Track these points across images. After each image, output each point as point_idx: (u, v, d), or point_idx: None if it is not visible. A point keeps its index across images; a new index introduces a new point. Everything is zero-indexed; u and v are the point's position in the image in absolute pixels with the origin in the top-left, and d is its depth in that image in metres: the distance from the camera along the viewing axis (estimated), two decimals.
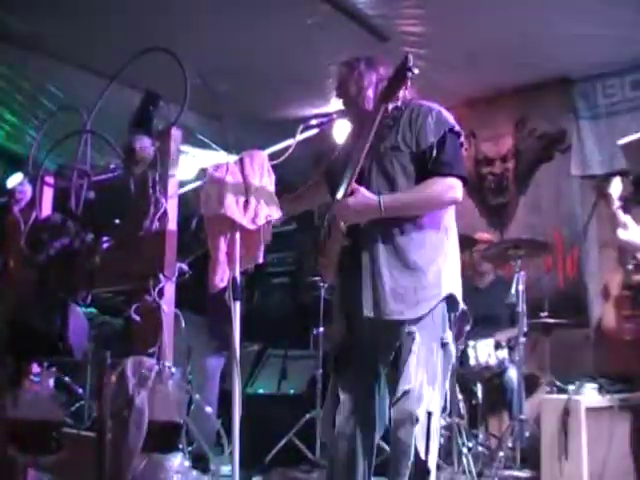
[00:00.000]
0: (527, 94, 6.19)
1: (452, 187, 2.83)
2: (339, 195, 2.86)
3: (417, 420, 2.67)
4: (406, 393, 2.71)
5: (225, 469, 4.35)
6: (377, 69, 3.01)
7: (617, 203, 3.86)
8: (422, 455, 2.66)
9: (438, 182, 2.83)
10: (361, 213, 2.80)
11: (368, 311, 2.79)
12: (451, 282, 2.89)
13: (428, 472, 2.68)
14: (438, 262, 2.86)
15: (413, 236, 2.85)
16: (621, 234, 3.89)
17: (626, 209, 3.86)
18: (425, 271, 2.83)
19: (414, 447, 2.66)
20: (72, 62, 5.39)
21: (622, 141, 2.95)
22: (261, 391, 5.94)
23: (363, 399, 2.92)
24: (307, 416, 5.13)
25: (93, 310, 5.26)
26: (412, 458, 2.65)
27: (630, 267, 4.30)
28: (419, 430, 2.67)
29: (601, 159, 5.61)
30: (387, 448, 3.08)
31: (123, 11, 4.72)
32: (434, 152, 2.83)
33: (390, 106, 2.91)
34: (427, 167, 2.84)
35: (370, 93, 2.98)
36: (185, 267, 2.39)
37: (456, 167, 2.86)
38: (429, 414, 2.70)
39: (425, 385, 2.74)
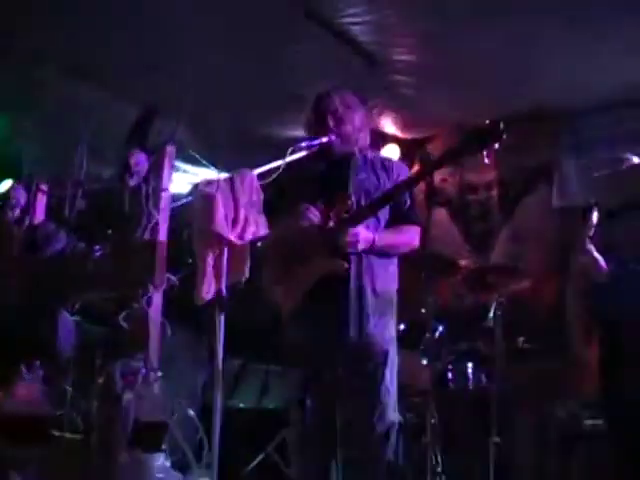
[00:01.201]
0: (513, 126, 6.27)
1: (419, 235, 3.32)
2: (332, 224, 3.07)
3: (399, 427, 2.89)
4: (387, 405, 2.99)
5: None
6: (368, 112, 3.28)
7: (591, 231, 4.04)
8: (392, 458, 2.87)
9: (413, 230, 3.30)
10: (363, 244, 3.07)
11: (354, 333, 2.99)
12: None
13: (401, 472, 2.97)
14: (395, 292, 3.29)
15: (385, 266, 3.23)
16: (582, 259, 4.06)
17: (592, 239, 4.03)
18: (392, 298, 3.25)
19: (394, 451, 2.86)
20: (71, 74, 5.45)
21: (599, 174, 3.08)
22: (241, 405, 5.98)
23: (329, 420, 3.05)
24: (286, 431, 5.17)
25: (77, 318, 5.30)
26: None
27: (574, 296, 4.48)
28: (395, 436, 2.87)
29: (582, 191, 5.72)
30: None
31: (123, 27, 4.79)
32: (408, 202, 3.25)
33: (367, 150, 3.32)
34: (401, 213, 3.25)
35: (366, 136, 3.23)
36: (174, 278, 2.48)
37: (419, 218, 3.37)
38: (397, 420, 3.03)
39: (395, 396, 3.07)
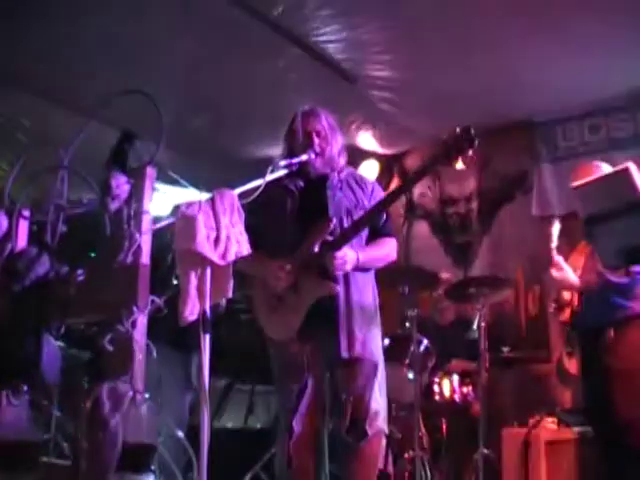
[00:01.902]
0: (490, 137, 6.33)
1: (396, 247, 3.42)
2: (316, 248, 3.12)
3: (385, 436, 2.94)
4: (377, 413, 3.08)
5: None
6: (341, 138, 3.33)
7: (555, 243, 4.09)
8: (382, 466, 2.92)
9: (391, 243, 3.39)
10: (350, 265, 3.14)
11: (345, 353, 3.06)
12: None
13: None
14: (377, 304, 3.37)
15: (367, 280, 3.32)
16: (553, 273, 4.10)
17: (560, 250, 4.09)
18: (376, 311, 3.34)
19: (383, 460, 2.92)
20: (49, 98, 5.45)
21: (576, 183, 3.12)
22: (228, 425, 5.97)
23: (316, 428, 3.07)
24: (273, 450, 5.16)
25: (61, 344, 5.27)
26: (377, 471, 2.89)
27: (551, 310, 4.51)
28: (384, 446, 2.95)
29: (560, 200, 5.78)
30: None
31: (100, 51, 4.82)
32: (384, 215, 3.32)
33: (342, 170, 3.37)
34: (378, 226, 3.33)
35: (344, 159, 3.28)
36: (158, 301, 2.48)
37: (394, 231, 3.50)
38: (386, 430, 3.15)
39: (385, 407, 3.17)
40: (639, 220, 2.70)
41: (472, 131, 2.95)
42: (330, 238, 3.10)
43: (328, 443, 3.07)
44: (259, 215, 3.26)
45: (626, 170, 2.74)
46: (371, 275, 3.36)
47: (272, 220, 3.26)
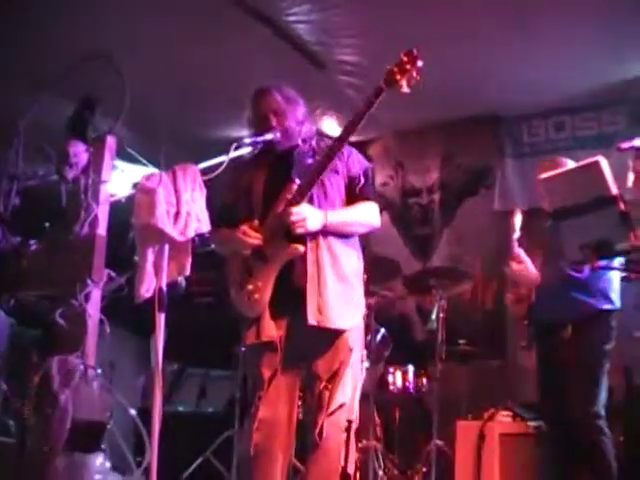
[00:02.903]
0: (456, 130, 6.37)
1: (377, 212, 3.20)
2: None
3: (347, 430, 2.82)
4: (342, 406, 2.91)
5: None
6: (302, 106, 3.20)
7: (516, 235, 4.09)
8: (343, 462, 2.81)
9: (369, 206, 3.16)
10: (312, 221, 2.96)
11: (312, 319, 2.91)
12: (363, 301, 3.19)
13: (349, 477, 2.85)
14: (359, 280, 3.16)
15: (347, 251, 3.10)
16: (513, 266, 4.09)
17: (520, 243, 4.08)
18: (354, 285, 3.10)
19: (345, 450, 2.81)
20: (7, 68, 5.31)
21: (544, 175, 3.09)
22: (180, 409, 5.90)
23: (285, 417, 2.99)
24: (225, 435, 5.11)
25: (11, 320, 5.15)
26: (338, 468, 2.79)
27: (508, 302, 4.51)
28: (343, 439, 2.82)
29: (523, 196, 5.80)
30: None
31: (62, 18, 4.69)
32: (362, 179, 3.15)
33: (311, 139, 3.23)
34: (355, 191, 3.14)
35: (309, 127, 3.17)
36: (114, 275, 2.41)
37: (376, 197, 3.25)
38: (349, 422, 2.91)
39: (355, 398, 2.99)
40: (606, 214, 2.67)
41: (415, 52, 2.91)
42: (289, 197, 2.99)
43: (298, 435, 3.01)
44: (233, 193, 3.19)
45: (596, 163, 2.71)
46: (352, 244, 3.15)
47: (244, 197, 3.17)
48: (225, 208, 3.24)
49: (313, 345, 2.99)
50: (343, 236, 3.10)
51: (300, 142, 3.19)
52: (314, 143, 3.22)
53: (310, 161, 3.10)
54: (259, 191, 3.14)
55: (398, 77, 2.91)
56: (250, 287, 3.03)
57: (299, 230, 2.93)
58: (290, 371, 3.02)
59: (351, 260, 3.12)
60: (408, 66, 2.92)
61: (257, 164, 3.22)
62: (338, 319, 2.96)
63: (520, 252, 4.10)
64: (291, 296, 2.98)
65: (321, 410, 2.91)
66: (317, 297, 2.94)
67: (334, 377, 2.94)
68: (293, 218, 2.92)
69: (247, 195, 3.17)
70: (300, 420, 3.17)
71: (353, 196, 3.14)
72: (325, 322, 2.94)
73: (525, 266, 4.07)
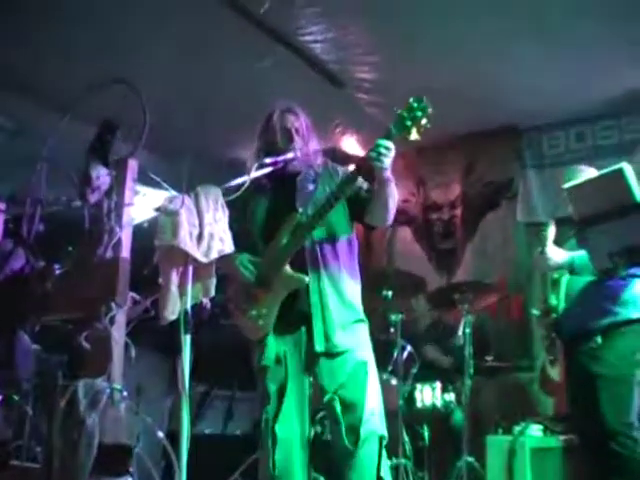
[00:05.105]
0: (476, 143, 6.35)
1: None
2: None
3: (383, 438, 2.88)
4: (372, 413, 2.90)
5: None
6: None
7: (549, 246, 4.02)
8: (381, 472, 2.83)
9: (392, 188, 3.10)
10: (390, 161, 2.92)
11: (320, 347, 2.92)
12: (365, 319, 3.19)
13: None
14: (359, 301, 3.17)
15: (346, 278, 3.11)
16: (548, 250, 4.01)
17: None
18: (356, 308, 3.13)
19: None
20: (27, 94, 5.35)
21: (568, 185, 3.06)
22: (207, 431, 5.87)
23: (299, 434, 3.00)
24: (252, 457, 5.07)
25: (37, 347, 5.17)
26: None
27: (537, 313, 4.45)
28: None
29: (545, 207, 5.76)
30: None
31: (80, 45, 4.74)
32: (365, 184, 3.16)
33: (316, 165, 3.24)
34: (361, 196, 3.14)
35: (319, 160, 3.18)
36: (145, 301, 2.41)
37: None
38: (381, 438, 2.92)
39: (382, 407, 2.99)
40: (633, 221, 2.64)
41: (424, 99, 2.84)
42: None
43: (318, 450, 2.99)
44: (236, 215, 3.19)
45: (620, 171, 2.69)
46: (350, 268, 3.16)
47: (247, 219, 3.18)
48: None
49: (318, 360, 3.01)
50: (343, 265, 3.11)
51: (309, 169, 3.19)
52: (320, 170, 3.22)
53: (311, 187, 3.12)
54: (261, 218, 3.15)
55: (409, 123, 2.86)
56: (254, 313, 3.06)
57: (382, 159, 2.88)
58: (297, 385, 3.03)
59: (350, 285, 3.12)
60: (419, 113, 2.85)
61: (258, 188, 3.19)
62: (343, 341, 2.99)
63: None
64: (296, 317, 3.03)
65: (351, 422, 2.89)
66: (322, 324, 2.98)
67: (351, 389, 2.95)
68: (382, 150, 2.87)
69: (249, 222, 3.18)
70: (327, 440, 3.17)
71: (360, 201, 3.14)
72: (332, 349, 2.98)
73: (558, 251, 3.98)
